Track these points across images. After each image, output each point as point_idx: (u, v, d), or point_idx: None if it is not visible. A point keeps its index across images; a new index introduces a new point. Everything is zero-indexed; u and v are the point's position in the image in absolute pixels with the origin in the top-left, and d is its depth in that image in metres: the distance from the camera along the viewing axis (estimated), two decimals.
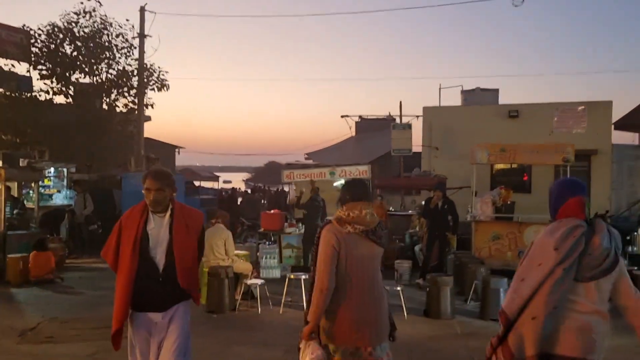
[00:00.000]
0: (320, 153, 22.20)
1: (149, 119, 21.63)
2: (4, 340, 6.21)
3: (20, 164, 11.42)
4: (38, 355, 5.79)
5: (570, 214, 2.64)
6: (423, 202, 10.93)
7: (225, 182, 24.65)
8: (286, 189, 19.59)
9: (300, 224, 11.52)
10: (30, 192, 12.57)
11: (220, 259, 8.08)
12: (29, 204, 12.08)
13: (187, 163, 22.54)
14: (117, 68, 18.01)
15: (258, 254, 10.60)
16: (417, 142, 17.22)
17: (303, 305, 7.07)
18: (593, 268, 2.52)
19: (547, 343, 2.52)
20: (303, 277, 7.70)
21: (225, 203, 21.14)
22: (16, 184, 12.62)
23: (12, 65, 16.72)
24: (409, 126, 18.25)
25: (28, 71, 16.93)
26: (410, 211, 14.15)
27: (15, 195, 12.34)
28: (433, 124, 16.36)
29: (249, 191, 25.56)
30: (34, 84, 17.10)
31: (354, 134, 22.77)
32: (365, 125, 22.71)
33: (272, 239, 11.36)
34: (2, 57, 16.52)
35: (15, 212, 10.96)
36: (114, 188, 15.52)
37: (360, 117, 22.90)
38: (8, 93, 15.38)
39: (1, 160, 10.85)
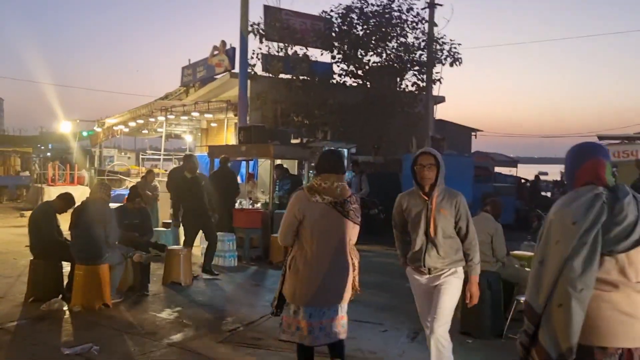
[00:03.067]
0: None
1: (442, 99, 20.10)
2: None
3: (293, 142, 11.12)
4: None
5: (589, 179, 2.27)
6: None
7: (540, 173, 21.05)
8: None
9: None
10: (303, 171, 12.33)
11: (485, 261, 5.86)
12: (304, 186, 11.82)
13: (485, 149, 20.04)
14: (405, 42, 16.86)
15: None
16: None
17: None
18: (621, 240, 2.14)
19: (583, 333, 2.10)
20: None
21: (524, 192, 18.20)
22: (296, 163, 12.52)
23: (315, 57, 17.14)
24: None
25: (333, 57, 17.16)
26: None
27: (296, 173, 12.24)
28: None
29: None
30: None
31: None
32: None
33: None
34: (306, 47, 17.12)
35: (284, 189, 10.68)
36: (399, 172, 14.63)
37: None
38: (302, 77, 15.74)
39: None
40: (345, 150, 13.83)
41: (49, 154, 27.38)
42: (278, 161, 11.19)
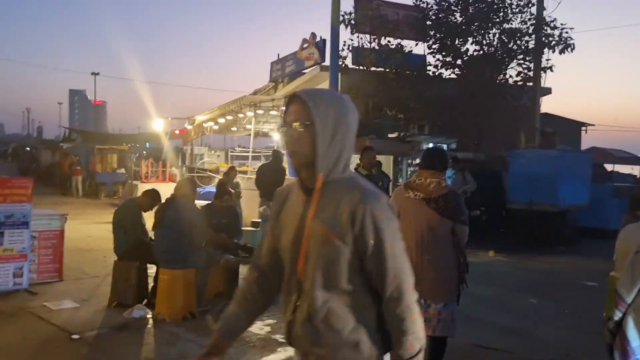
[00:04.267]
0: None
1: (549, 91, 18.31)
2: None
3: (390, 136, 10.19)
4: None
5: None
6: None
7: None
8: None
9: None
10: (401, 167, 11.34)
11: None
12: (399, 183, 10.85)
13: (597, 144, 18.03)
14: (509, 28, 15.35)
15: None
16: None
17: None
18: None
19: None
20: None
21: None
22: (392, 159, 11.57)
23: (410, 50, 16.12)
24: None
25: (429, 46, 16.10)
26: None
27: (391, 172, 11.29)
28: None
29: None
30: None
31: None
32: None
33: None
34: (400, 38, 16.17)
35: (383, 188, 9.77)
36: (502, 171, 13.31)
37: None
38: (395, 70, 14.75)
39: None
40: (445, 146, 12.69)
41: (144, 152, 28.18)
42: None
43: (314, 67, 16.63)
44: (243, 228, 9.80)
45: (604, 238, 13.17)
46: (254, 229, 9.72)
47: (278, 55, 19.59)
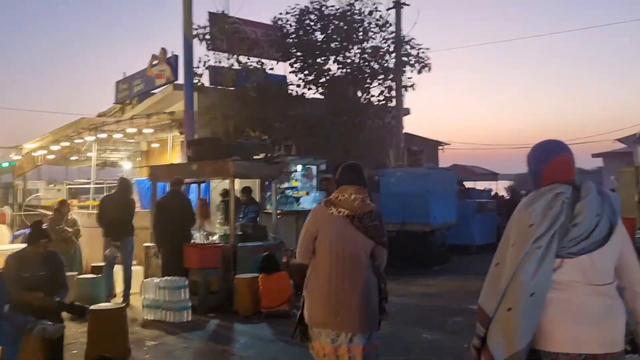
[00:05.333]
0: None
1: (407, 112, 18.54)
2: None
3: (257, 157, 9.04)
4: None
5: (558, 177, 2.16)
6: None
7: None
8: None
9: None
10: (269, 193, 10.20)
11: None
12: (268, 209, 9.74)
13: (454, 162, 18.54)
14: (373, 46, 15.14)
15: None
16: None
17: None
18: (580, 241, 2.06)
19: (543, 339, 2.06)
20: None
21: (504, 208, 16.72)
22: (257, 183, 10.37)
23: (270, 68, 15.25)
24: None
25: (291, 64, 15.34)
26: None
27: (258, 198, 10.10)
28: None
29: None
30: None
31: None
32: None
33: None
34: (260, 57, 15.23)
35: (246, 217, 8.59)
36: (372, 192, 12.80)
37: None
38: (256, 88, 13.71)
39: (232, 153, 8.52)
40: (315, 167, 11.86)
41: None
42: (237, 182, 9.06)
43: (166, 86, 14.99)
44: (82, 276, 7.98)
45: (471, 254, 13.29)
46: (94, 276, 7.93)
47: (124, 73, 17.61)
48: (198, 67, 13.93)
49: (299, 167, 12.07)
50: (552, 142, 2.31)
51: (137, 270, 8.80)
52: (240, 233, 8.22)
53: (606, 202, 2.10)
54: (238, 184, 9.95)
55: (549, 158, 2.22)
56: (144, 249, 8.78)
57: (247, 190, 9.01)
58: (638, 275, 2.19)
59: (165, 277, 7.13)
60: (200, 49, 14.26)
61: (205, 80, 14.31)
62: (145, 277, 8.26)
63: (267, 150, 9.54)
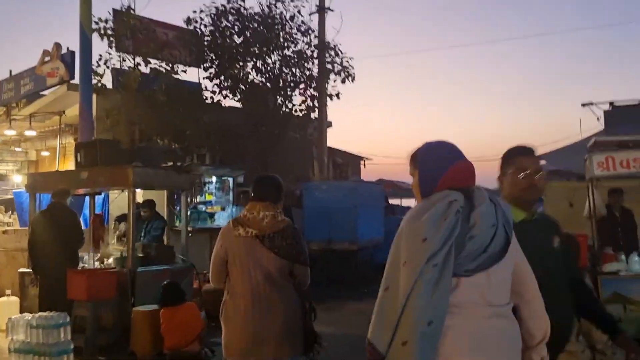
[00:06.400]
0: (557, 154, 16.27)
1: (329, 124, 17.77)
2: None
3: (165, 165, 7.71)
4: None
5: (455, 185, 1.87)
6: None
7: None
8: None
9: None
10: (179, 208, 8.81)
11: None
12: (178, 227, 8.39)
13: (377, 177, 17.95)
14: (297, 51, 14.21)
15: None
16: None
17: None
18: (477, 255, 1.79)
19: None
20: None
21: None
22: (165, 195, 8.96)
23: (184, 72, 13.90)
24: None
25: (205, 69, 14.07)
26: None
27: (164, 213, 8.69)
28: None
29: None
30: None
31: (602, 127, 16.48)
32: (619, 115, 16.29)
33: None
34: (171, 61, 13.83)
35: (147, 236, 7.23)
36: (292, 206, 11.76)
37: (611, 104, 16.57)
38: (164, 87, 12.32)
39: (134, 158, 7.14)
40: (231, 179, 10.62)
41: None
42: (139, 193, 7.68)
43: (59, 86, 13.14)
44: None
45: None
46: None
47: (10, 71, 15.38)
48: (99, 66, 12.36)
49: (214, 179, 10.77)
50: (451, 145, 2.02)
51: (10, 301, 7.21)
52: (141, 255, 6.83)
53: (499, 211, 1.86)
54: (141, 196, 8.57)
55: (452, 162, 1.94)
56: (19, 276, 7.17)
57: (149, 204, 7.63)
58: (535, 291, 1.99)
59: (40, 313, 5.62)
60: (101, 46, 12.70)
61: (108, 82, 12.73)
62: (21, 311, 6.72)
63: (177, 158, 8.22)
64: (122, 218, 7.93)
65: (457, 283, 1.79)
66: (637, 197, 7.77)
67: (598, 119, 16.54)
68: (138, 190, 8.12)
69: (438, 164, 1.95)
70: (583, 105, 16.46)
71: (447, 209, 1.80)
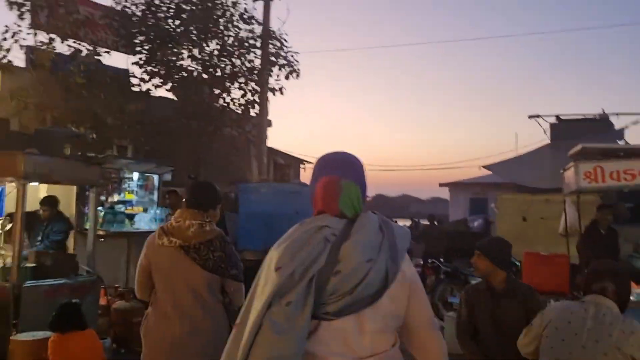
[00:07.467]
0: (504, 166, 15.99)
1: (269, 124, 16.63)
2: None
3: (68, 153, 6.32)
4: None
5: (320, 207, 1.73)
6: None
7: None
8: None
9: None
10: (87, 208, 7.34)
11: None
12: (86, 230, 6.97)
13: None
14: (239, 38, 13.01)
15: None
16: None
17: None
18: (343, 296, 1.53)
19: None
20: None
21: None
22: (75, 191, 7.45)
23: (106, 51, 12.38)
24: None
25: (134, 53, 12.60)
26: None
27: (72, 213, 7.21)
28: None
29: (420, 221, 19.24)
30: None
31: (548, 140, 16.35)
32: (565, 129, 16.25)
33: None
34: (98, 46, 12.34)
35: (44, 241, 5.85)
36: (226, 211, 10.54)
37: (557, 117, 16.51)
38: (84, 69, 10.79)
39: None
40: (156, 177, 9.26)
41: None
42: (44, 188, 6.26)
43: None
44: None
45: None
46: None
47: None
48: (5, 39, 10.66)
49: (135, 175, 9.34)
50: (327, 157, 1.80)
51: None
52: (32, 265, 5.42)
53: (386, 243, 1.60)
54: (45, 192, 7.09)
55: (316, 179, 1.77)
56: None
57: (50, 201, 6.22)
58: (431, 342, 1.71)
59: None
60: (9, 16, 11.04)
61: (15, 59, 11.03)
62: None
63: (88, 147, 6.82)
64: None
65: (316, 327, 1.56)
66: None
67: (545, 131, 16.43)
68: (42, 185, 6.71)
69: (312, 180, 1.81)
70: (530, 117, 16.30)
71: (312, 235, 1.61)
